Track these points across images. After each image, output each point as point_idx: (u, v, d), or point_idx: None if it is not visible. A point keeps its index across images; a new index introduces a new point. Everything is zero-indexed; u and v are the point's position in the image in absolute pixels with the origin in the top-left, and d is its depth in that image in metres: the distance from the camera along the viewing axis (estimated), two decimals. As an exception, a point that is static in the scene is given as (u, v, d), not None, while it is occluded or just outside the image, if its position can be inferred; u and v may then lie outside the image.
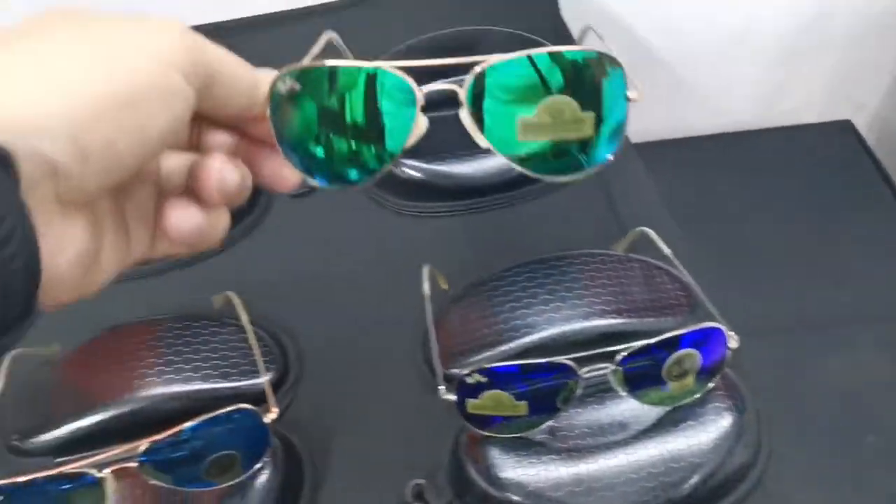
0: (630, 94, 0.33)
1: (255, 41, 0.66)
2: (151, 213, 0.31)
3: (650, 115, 0.97)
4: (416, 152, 0.60)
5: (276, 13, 0.74)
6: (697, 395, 0.46)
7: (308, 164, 0.33)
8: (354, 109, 0.32)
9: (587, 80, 0.32)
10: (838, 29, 0.95)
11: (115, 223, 0.29)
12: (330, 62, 0.31)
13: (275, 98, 0.31)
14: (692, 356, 0.44)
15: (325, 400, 0.52)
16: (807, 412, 0.73)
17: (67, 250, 0.26)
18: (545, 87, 0.32)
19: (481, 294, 0.53)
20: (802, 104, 1.00)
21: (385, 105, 0.32)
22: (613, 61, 0.32)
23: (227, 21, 0.70)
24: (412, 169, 0.60)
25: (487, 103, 0.32)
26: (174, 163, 0.31)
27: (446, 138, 0.61)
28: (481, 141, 0.33)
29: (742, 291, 0.80)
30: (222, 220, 0.31)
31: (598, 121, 0.33)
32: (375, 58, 0.32)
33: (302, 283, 0.59)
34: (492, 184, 0.61)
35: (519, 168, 0.34)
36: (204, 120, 0.31)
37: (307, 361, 0.54)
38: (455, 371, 0.49)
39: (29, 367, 0.51)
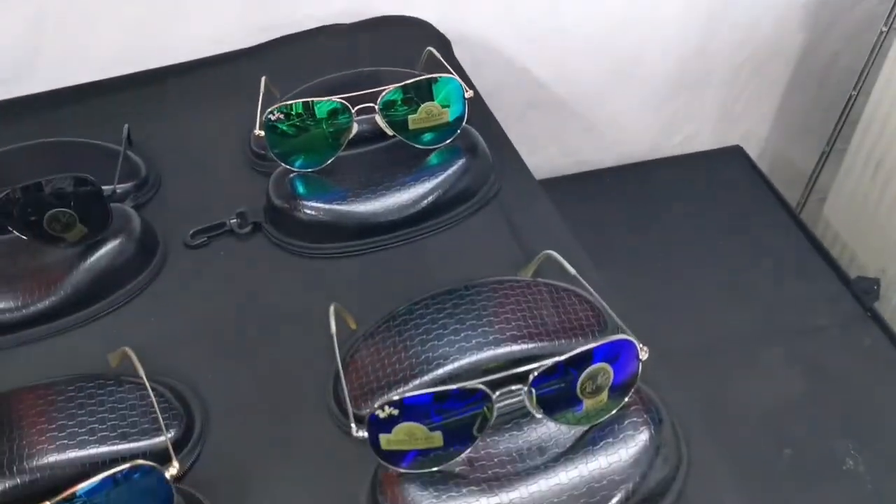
0: (466, 94, 0.60)
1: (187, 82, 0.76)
2: None
3: (545, 153, 0.99)
4: (317, 195, 0.60)
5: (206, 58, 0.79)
6: (613, 412, 0.45)
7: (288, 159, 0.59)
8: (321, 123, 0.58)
9: (441, 92, 0.59)
10: (722, 61, 0.99)
11: None
12: (300, 100, 0.57)
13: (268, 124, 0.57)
14: (605, 371, 0.43)
15: (234, 453, 0.50)
16: (723, 427, 0.74)
17: None
18: (420, 100, 0.59)
19: (391, 330, 0.52)
20: (695, 134, 1.03)
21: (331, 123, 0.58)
22: (452, 78, 0.59)
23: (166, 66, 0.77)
24: (313, 210, 0.59)
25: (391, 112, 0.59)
26: None
27: (348, 177, 0.61)
28: (389, 131, 0.60)
29: (651, 316, 0.81)
30: None
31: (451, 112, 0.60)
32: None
33: (205, 334, 0.56)
34: (395, 220, 0.60)
35: (414, 144, 0.61)
36: None
37: (213, 415, 0.51)
38: (368, 410, 0.47)
39: None
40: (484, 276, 0.55)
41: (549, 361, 0.42)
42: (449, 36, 0.81)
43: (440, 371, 0.49)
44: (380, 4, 0.80)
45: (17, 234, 0.55)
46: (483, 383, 0.42)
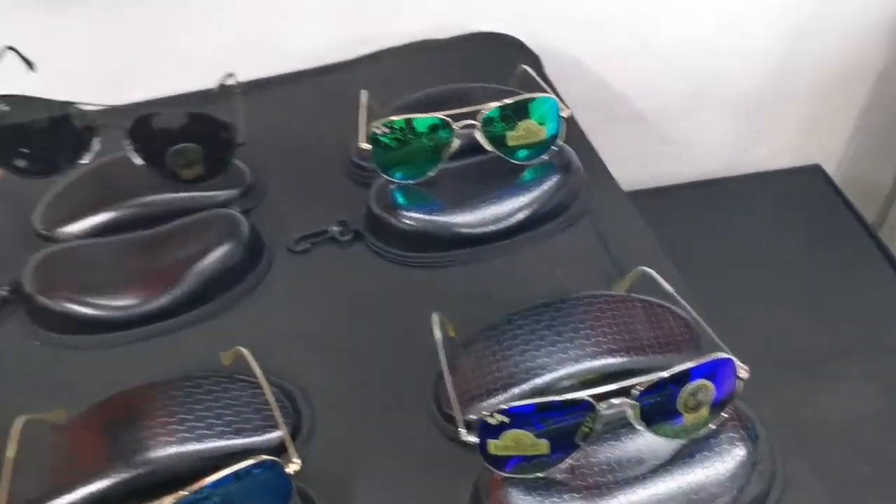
0: (563, 113, 0.62)
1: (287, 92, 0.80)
2: None
3: (623, 167, 1.00)
4: (416, 205, 0.62)
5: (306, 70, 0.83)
6: (712, 427, 0.47)
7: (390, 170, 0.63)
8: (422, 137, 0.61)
9: (538, 110, 0.62)
10: (803, 80, 0.99)
11: None
12: (405, 116, 0.60)
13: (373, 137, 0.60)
14: (706, 387, 0.45)
15: (340, 453, 0.52)
16: (807, 444, 0.74)
17: None
18: (517, 117, 0.62)
19: (490, 339, 0.54)
20: (774, 151, 1.03)
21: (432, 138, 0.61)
22: (550, 98, 0.62)
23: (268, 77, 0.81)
24: (412, 220, 0.62)
25: (490, 128, 0.62)
26: None
27: (445, 189, 0.63)
28: (488, 147, 0.63)
29: (731, 332, 0.82)
30: None
31: (548, 130, 0.63)
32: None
33: (307, 337, 0.59)
34: (490, 232, 0.62)
35: (511, 159, 0.63)
36: None
37: (319, 416, 0.54)
38: (471, 415, 0.49)
39: (37, 433, 0.50)
40: (576, 289, 0.57)
41: (653, 376, 0.43)
42: (536, 51, 0.83)
43: (539, 380, 0.51)
44: (472, 22, 0.83)
45: (135, 154, 0.56)
46: (588, 395, 0.43)
